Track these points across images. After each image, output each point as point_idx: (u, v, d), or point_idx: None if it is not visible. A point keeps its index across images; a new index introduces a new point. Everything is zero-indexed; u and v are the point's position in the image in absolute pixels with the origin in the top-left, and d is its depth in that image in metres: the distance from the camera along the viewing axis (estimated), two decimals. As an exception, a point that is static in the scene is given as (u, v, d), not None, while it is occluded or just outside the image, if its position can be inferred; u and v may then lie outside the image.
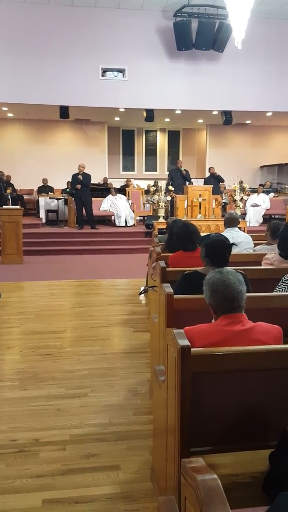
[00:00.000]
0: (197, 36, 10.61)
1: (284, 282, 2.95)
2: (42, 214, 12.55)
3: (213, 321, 2.03)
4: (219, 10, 10.24)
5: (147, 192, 12.87)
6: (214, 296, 1.98)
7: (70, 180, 11.34)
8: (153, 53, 11.06)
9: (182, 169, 11.38)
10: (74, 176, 11.09)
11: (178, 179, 11.24)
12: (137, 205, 12.64)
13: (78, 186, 10.92)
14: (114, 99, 11.16)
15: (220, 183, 12.13)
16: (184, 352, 1.66)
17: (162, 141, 16.92)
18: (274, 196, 13.38)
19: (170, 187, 10.72)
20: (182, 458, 1.51)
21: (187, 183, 11.10)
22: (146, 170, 16.75)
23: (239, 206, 10.13)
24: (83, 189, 11.04)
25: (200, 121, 14.96)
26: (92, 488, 2.32)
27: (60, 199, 11.96)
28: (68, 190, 13.13)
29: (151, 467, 2.42)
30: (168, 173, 12.13)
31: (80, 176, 10.96)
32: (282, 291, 2.92)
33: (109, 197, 12.01)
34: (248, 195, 11.46)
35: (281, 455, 1.56)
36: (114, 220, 11.98)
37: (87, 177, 11.15)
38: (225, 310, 1.95)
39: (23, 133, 14.58)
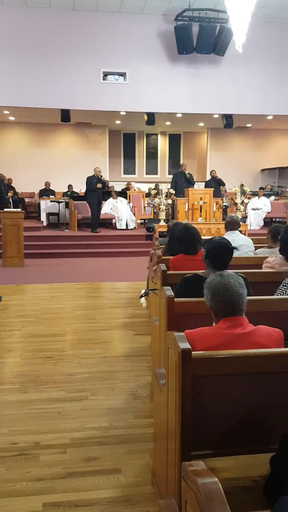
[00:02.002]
0: (198, 40, 10.64)
1: (285, 285, 2.95)
2: (43, 217, 12.55)
3: (213, 324, 2.03)
4: (220, 14, 10.27)
5: (148, 195, 12.88)
6: (214, 300, 1.98)
7: (85, 183, 11.28)
8: (154, 57, 11.09)
9: (186, 172, 11.39)
10: (91, 179, 11.05)
11: (182, 183, 11.23)
12: (138, 208, 12.65)
13: (99, 185, 10.97)
14: (115, 102, 11.19)
15: (221, 186, 12.13)
16: (185, 355, 1.66)
17: (163, 144, 16.95)
18: (275, 199, 13.38)
19: (171, 190, 10.73)
20: (183, 462, 1.51)
21: (191, 186, 11.11)
22: (147, 173, 16.77)
23: (240, 209, 10.14)
24: (101, 192, 11.16)
25: (201, 124, 14.99)
26: (93, 492, 2.32)
27: (61, 202, 11.96)
28: (69, 193, 13.16)
29: (151, 471, 2.42)
30: (172, 176, 12.13)
31: (103, 178, 11.06)
32: (283, 295, 2.92)
33: (110, 200, 12.03)
34: (249, 198, 11.46)
35: (282, 459, 1.55)
36: (115, 223, 12.00)
37: (105, 181, 11.33)
38: (226, 313, 1.95)
39: (24, 136, 14.60)
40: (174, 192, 10.74)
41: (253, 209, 12.15)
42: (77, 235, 10.82)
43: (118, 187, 14.12)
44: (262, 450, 1.77)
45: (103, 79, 11.08)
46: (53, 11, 10.58)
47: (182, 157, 16.84)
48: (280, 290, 2.96)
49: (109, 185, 14.20)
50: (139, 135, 16.62)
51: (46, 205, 12.54)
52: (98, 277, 7.70)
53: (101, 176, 11.17)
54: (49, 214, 12.53)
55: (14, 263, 8.55)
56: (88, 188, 11.17)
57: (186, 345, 1.69)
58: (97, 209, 11.16)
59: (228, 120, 11.96)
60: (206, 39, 10.61)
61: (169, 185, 11.38)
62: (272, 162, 15.56)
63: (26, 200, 14.07)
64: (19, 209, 9.57)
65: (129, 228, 11.83)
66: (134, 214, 12.17)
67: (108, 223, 12.27)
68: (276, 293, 2.98)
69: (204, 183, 12.69)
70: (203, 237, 3.63)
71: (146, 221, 11.89)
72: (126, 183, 14.81)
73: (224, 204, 11.42)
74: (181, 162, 14.81)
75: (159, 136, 16.86)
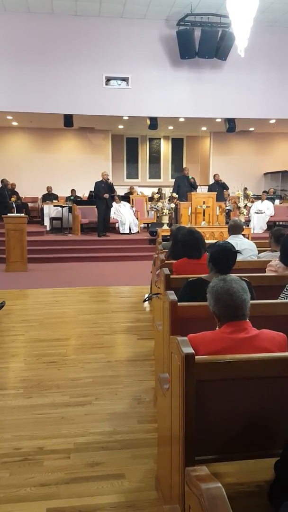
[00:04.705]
0: (200, 45, 10.67)
1: (288, 289, 2.95)
2: (47, 221, 12.60)
3: (217, 328, 2.02)
4: (222, 19, 10.29)
5: (151, 199, 12.90)
6: (218, 305, 1.97)
7: (93, 188, 11.46)
8: (157, 62, 11.12)
9: (190, 176, 11.39)
10: (99, 184, 11.19)
11: (185, 187, 11.24)
12: (141, 212, 12.67)
13: (106, 196, 11.07)
14: (118, 107, 11.22)
15: (224, 190, 12.14)
16: (188, 359, 1.66)
17: (165, 148, 16.98)
18: (280, 203, 13.38)
19: (174, 194, 10.74)
20: (187, 467, 1.50)
21: (194, 190, 11.11)
22: (150, 178, 16.79)
23: (243, 213, 10.13)
24: (109, 196, 11.27)
25: (204, 128, 15.00)
26: (97, 497, 2.31)
27: (64, 206, 12.00)
28: (72, 198, 13.19)
29: (155, 476, 2.41)
30: (174, 180, 12.15)
31: (110, 181, 11.25)
32: (286, 298, 2.91)
33: (113, 204, 12.05)
34: (252, 202, 11.46)
35: (287, 464, 1.54)
36: (118, 227, 12.01)
37: (112, 184, 11.48)
38: (229, 318, 1.95)
39: (27, 141, 14.66)
40: (177, 196, 10.75)
41: (256, 213, 12.14)
42: (80, 240, 10.84)
43: (121, 191, 14.14)
44: (266, 455, 1.75)
45: (106, 84, 11.12)
46: (56, 16, 10.63)
47: (185, 161, 16.86)
48: (283, 294, 2.96)
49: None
50: (142, 140, 16.66)
51: (49, 210, 12.58)
52: (101, 281, 7.71)
53: (107, 179, 11.25)
54: (52, 219, 12.57)
55: (17, 268, 8.56)
56: (96, 194, 11.32)
57: (189, 350, 1.69)
58: (104, 214, 11.21)
59: (230, 124, 11.96)
60: (208, 44, 10.64)
61: (171, 189, 11.41)
62: (275, 165, 15.55)
63: (30, 204, 14.10)
64: (22, 214, 9.60)
65: (132, 232, 11.85)
66: (137, 218, 12.20)
67: (112, 227, 12.29)
68: (279, 297, 2.97)
69: (207, 187, 12.71)
70: (206, 241, 3.62)
71: (149, 225, 11.91)
72: (129, 187, 14.85)
73: (227, 208, 11.42)
74: (184, 166, 14.82)
75: (161, 140, 16.89)
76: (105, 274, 8.45)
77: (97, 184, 11.21)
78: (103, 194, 11.03)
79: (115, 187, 13.46)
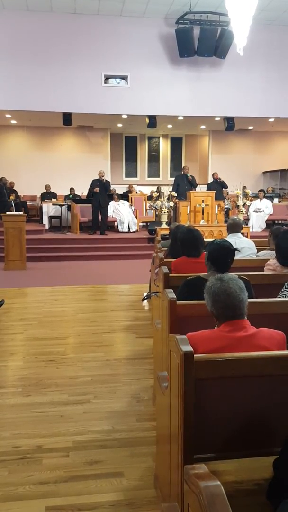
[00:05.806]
0: (199, 43, 10.65)
1: (287, 288, 2.95)
2: (45, 220, 12.59)
3: (215, 327, 2.02)
4: (221, 17, 10.28)
5: (150, 198, 12.89)
6: (215, 305, 1.97)
7: (90, 186, 11.51)
8: (156, 60, 11.10)
9: (188, 175, 11.38)
10: (94, 182, 11.28)
11: (185, 185, 11.24)
12: (140, 211, 12.66)
13: (97, 190, 11.08)
14: (117, 105, 11.21)
15: (223, 188, 12.13)
16: (187, 358, 1.66)
17: (164, 147, 16.96)
18: (279, 202, 13.37)
19: (173, 193, 10.73)
20: (185, 465, 1.50)
21: (193, 189, 11.11)
22: (149, 176, 16.77)
23: (242, 211, 10.13)
24: (103, 195, 11.23)
25: (203, 127, 15.00)
26: (95, 495, 2.31)
27: (63, 205, 11.99)
28: (71, 196, 13.18)
29: (154, 474, 2.41)
30: (174, 178, 12.15)
31: (104, 179, 11.31)
32: (285, 297, 2.91)
33: (112, 203, 12.05)
34: (251, 200, 11.46)
35: (286, 462, 1.54)
36: (117, 226, 12.01)
37: (108, 183, 11.49)
38: (227, 318, 1.94)
39: (26, 140, 14.64)
40: (176, 195, 10.75)
41: (255, 211, 12.14)
42: (79, 238, 10.83)
43: (120, 190, 14.14)
44: (265, 453, 1.75)
45: (105, 83, 11.11)
46: (55, 15, 10.61)
47: (184, 160, 16.84)
48: (282, 293, 2.96)
49: (111, 188, 14.22)
50: (141, 138, 16.64)
51: (48, 208, 12.57)
52: (100, 280, 7.71)
53: (102, 176, 11.34)
54: (51, 217, 12.56)
55: (16, 266, 8.56)
56: (90, 192, 11.36)
57: (188, 348, 1.69)
58: (96, 212, 11.24)
59: (229, 123, 11.96)
60: (207, 42, 10.62)
61: (171, 188, 11.40)
62: (274, 164, 15.55)
63: (28, 203, 14.07)
64: (21, 213, 9.59)
65: (131, 231, 11.85)
66: (136, 217, 12.19)
67: (110, 226, 12.28)
68: (278, 295, 2.97)
69: (206, 185, 12.71)
70: (205, 240, 3.62)
71: (148, 223, 11.91)
72: (128, 186, 14.84)
73: (226, 206, 11.42)
74: (183, 165, 14.80)
75: (160, 139, 16.87)
76: (104, 272, 8.44)
77: (92, 182, 11.27)
78: (93, 190, 11.14)
79: (114, 186, 13.48)
